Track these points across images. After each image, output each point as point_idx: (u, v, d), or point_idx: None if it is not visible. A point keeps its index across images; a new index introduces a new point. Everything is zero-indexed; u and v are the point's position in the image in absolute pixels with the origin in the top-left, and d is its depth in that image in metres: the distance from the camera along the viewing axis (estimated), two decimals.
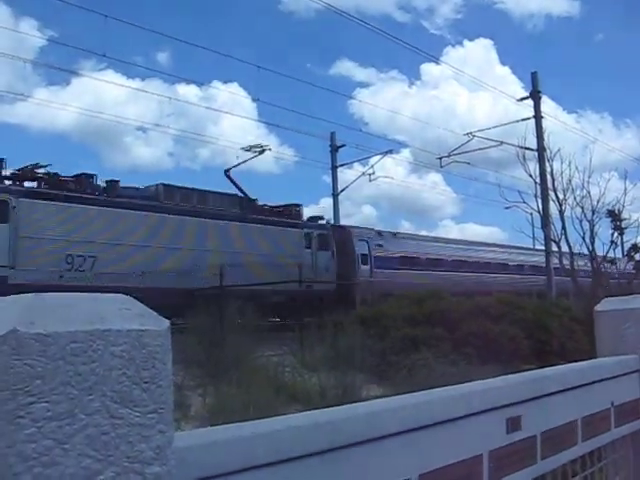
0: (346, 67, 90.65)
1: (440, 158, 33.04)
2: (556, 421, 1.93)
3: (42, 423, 0.81)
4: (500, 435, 1.69)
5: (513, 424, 1.74)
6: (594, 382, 2.17)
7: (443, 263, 31.27)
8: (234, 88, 58.86)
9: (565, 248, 25.99)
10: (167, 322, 0.94)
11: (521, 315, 17.51)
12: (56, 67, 31.97)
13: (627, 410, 2.36)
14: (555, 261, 27.48)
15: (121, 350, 0.87)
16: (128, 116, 49.95)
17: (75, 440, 0.83)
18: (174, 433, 0.95)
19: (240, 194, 24.98)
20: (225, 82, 61.85)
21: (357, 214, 61.65)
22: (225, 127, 59.64)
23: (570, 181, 26.03)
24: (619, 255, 30.14)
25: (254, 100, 35.04)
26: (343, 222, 33.89)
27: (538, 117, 29.20)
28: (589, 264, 25.78)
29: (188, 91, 62.79)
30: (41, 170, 19.57)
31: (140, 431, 0.88)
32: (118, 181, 21.13)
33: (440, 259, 31.31)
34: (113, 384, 0.86)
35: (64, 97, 50.72)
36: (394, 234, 31.63)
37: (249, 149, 27.06)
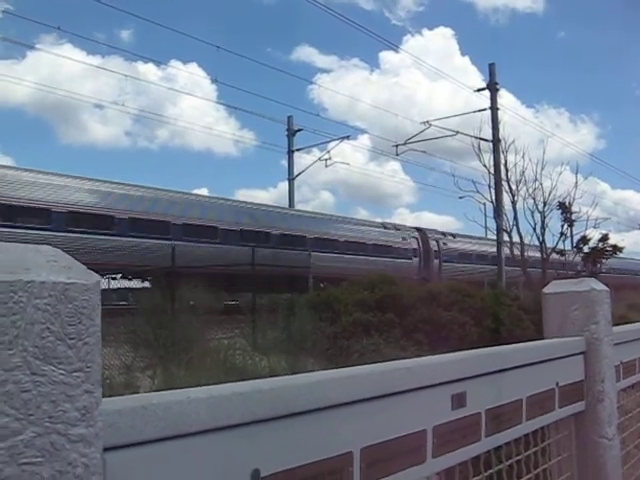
0: (307, 53, 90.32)
1: (396, 146, 33.15)
2: (501, 399, 1.93)
3: None
4: (445, 411, 1.68)
5: (458, 400, 1.72)
6: (540, 362, 2.18)
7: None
8: (193, 68, 58.21)
9: (516, 238, 26.43)
10: (96, 276, 0.88)
11: (471, 303, 17.73)
12: (10, 40, 30.80)
13: (571, 391, 2.38)
14: (507, 251, 27.92)
15: (45, 303, 0.82)
16: (87, 93, 49.01)
17: None
18: (104, 397, 0.90)
19: None
20: (184, 62, 61.06)
21: (315, 200, 61.66)
22: (184, 108, 58.91)
23: (523, 173, 26.46)
24: (568, 247, 30.78)
25: (213, 81, 34.66)
26: (299, 207, 34.06)
27: (494, 108, 29.51)
28: (539, 255, 26.26)
29: (147, 69, 61.69)
30: None
31: (64, 390, 0.83)
32: None
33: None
34: (35, 339, 0.81)
35: (20, 71, 49.42)
36: None
37: None
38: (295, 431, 1.23)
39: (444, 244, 36.68)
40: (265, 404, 1.16)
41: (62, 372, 0.83)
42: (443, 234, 37.80)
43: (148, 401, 0.99)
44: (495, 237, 28.59)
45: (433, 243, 36.13)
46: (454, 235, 38.50)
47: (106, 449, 0.90)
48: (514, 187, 26.64)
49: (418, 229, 36.60)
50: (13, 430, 0.78)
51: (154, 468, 0.98)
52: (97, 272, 0.89)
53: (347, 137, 35.57)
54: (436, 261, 35.58)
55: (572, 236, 31.01)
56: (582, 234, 30.98)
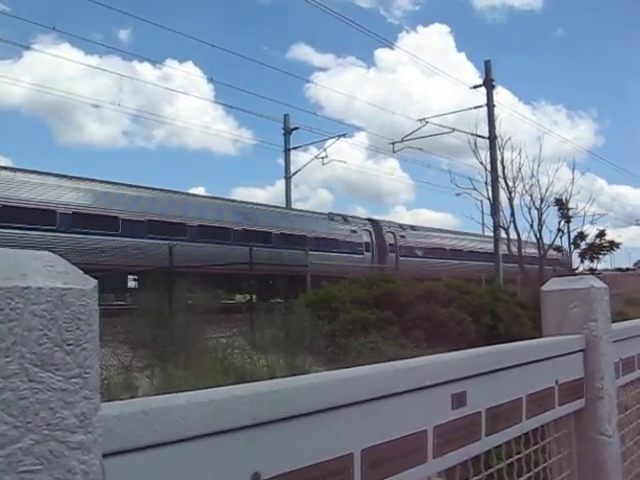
0: (303, 51, 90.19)
1: (393, 143, 33.14)
2: (501, 398, 1.92)
3: None
4: (445, 411, 1.67)
5: (458, 400, 1.72)
6: (539, 360, 2.17)
7: None
8: (189, 67, 58.15)
9: (514, 235, 26.44)
10: (94, 281, 0.87)
11: (469, 300, 17.74)
12: (6, 41, 30.69)
13: (571, 389, 2.37)
14: (504, 247, 27.94)
15: (42, 309, 0.81)
16: (84, 93, 49.03)
17: None
18: (102, 402, 0.89)
19: None
20: (180, 61, 60.94)
21: (313, 198, 61.71)
22: (181, 107, 58.78)
23: (520, 169, 26.49)
24: (565, 243, 30.78)
25: (209, 81, 34.64)
26: (297, 206, 34.50)
27: (490, 105, 29.51)
28: (536, 251, 26.30)
29: (144, 69, 61.54)
30: None
31: (63, 397, 0.82)
32: None
33: None
34: (33, 345, 0.80)
35: (16, 71, 49.28)
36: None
37: None
38: (295, 433, 1.23)
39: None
40: (265, 407, 1.16)
41: (60, 379, 0.82)
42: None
43: (148, 406, 0.98)
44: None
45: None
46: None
47: (105, 455, 0.89)
48: (511, 184, 26.69)
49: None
50: (11, 438, 0.77)
51: (154, 473, 0.98)
52: None
53: (344, 135, 35.68)
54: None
55: (569, 232, 31.06)
56: (579, 230, 31.03)
